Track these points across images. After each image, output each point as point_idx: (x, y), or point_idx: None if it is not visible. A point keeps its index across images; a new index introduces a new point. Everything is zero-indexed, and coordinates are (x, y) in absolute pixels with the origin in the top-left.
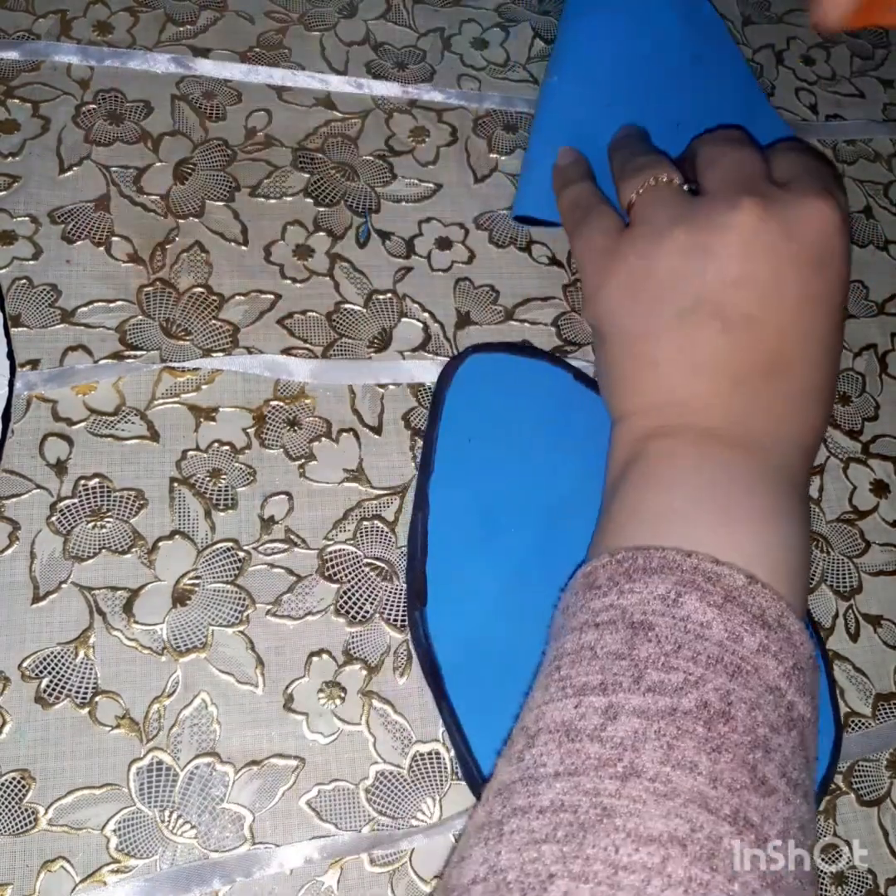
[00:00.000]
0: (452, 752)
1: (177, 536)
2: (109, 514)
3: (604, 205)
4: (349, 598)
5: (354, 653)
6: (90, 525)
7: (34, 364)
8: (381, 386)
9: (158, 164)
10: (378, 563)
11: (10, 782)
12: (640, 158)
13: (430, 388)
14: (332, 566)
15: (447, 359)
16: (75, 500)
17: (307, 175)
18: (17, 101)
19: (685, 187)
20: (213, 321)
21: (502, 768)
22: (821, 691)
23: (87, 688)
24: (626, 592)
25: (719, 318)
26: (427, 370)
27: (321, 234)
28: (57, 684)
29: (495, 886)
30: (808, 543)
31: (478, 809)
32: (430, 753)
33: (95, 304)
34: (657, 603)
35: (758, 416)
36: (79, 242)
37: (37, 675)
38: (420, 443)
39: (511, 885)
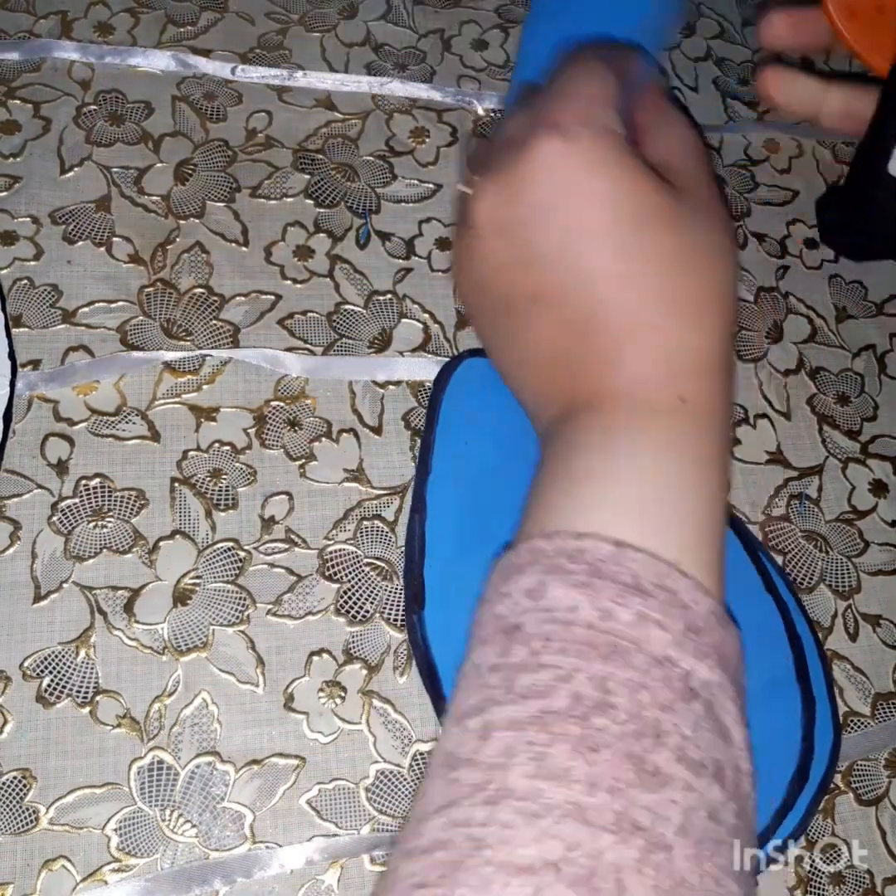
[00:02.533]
0: None
1: (177, 536)
2: (110, 514)
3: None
4: (349, 597)
5: (354, 652)
6: (91, 525)
7: (35, 364)
8: (381, 386)
9: (159, 164)
10: (378, 562)
11: (11, 782)
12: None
13: (429, 388)
14: (333, 566)
15: (447, 359)
16: (76, 500)
17: (307, 176)
18: (18, 101)
19: None
20: (214, 322)
21: (411, 809)
22: (819, 690)
23: (88, 687)
24: (501, 597)
25: (504, 306)
26: (424, 366)
27: (321, 235)
28: (58, 684)
29: None
30: (701, 476)
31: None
32: (430, 752)
33: (96, 305)
34: (525, 600)
35: (591, 371)
36: (80, 243)
37: (38, 674)
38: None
39: None
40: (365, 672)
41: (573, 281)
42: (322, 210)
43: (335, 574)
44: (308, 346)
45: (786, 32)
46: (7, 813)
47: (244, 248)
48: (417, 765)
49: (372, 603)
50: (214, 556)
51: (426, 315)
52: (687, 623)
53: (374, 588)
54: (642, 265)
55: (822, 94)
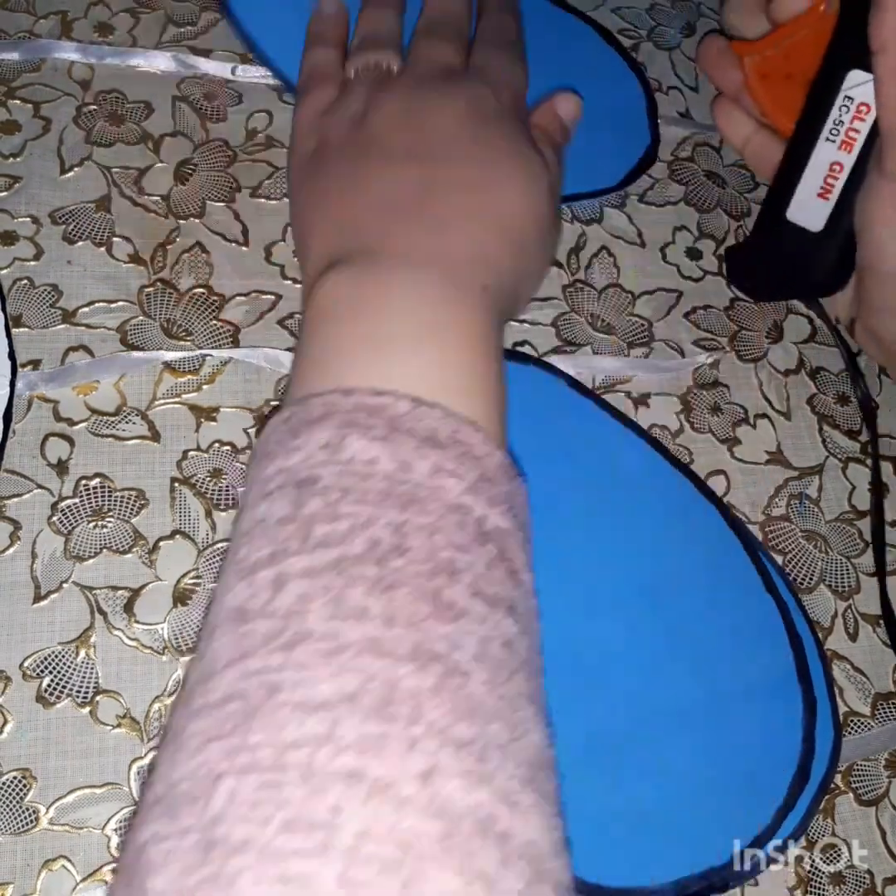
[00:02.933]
0: None
1: (177, 536)
2: (110, 514)
3: (325, 81)
4: None
5: None
6: (91, 525)
7: (35, 364)
8: None
9: (159, 164)
10: None
11: (11, 782)
12: (377, 32)
13: None
14: None
15: None
16: (76, 500)
17: None
18: (18, 101)
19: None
20: (214, 322)
21: (188, 673)
22: (819, 690)
23: (88, 687)
24: (291, 451)
25: (379, 156)
26: None
27: None
28: (58, 684)
29: (171, 802)
30: (489, 349)
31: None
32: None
33: (96, 305)
34: (321, 453)
35: (421, 233)
36: (80, 243)
37: (38, 674)
38: None
39: (181, 797)
40: None
41: (446, 151)
42: None
43: None
44: None
45: (707, 65)
46: (7, 813)
47: (244, 248)
48: None
49: None
50: (215, 557)
51: None
52: (480, 473)
53: None
54: (491, 153)
55: (751, 135)
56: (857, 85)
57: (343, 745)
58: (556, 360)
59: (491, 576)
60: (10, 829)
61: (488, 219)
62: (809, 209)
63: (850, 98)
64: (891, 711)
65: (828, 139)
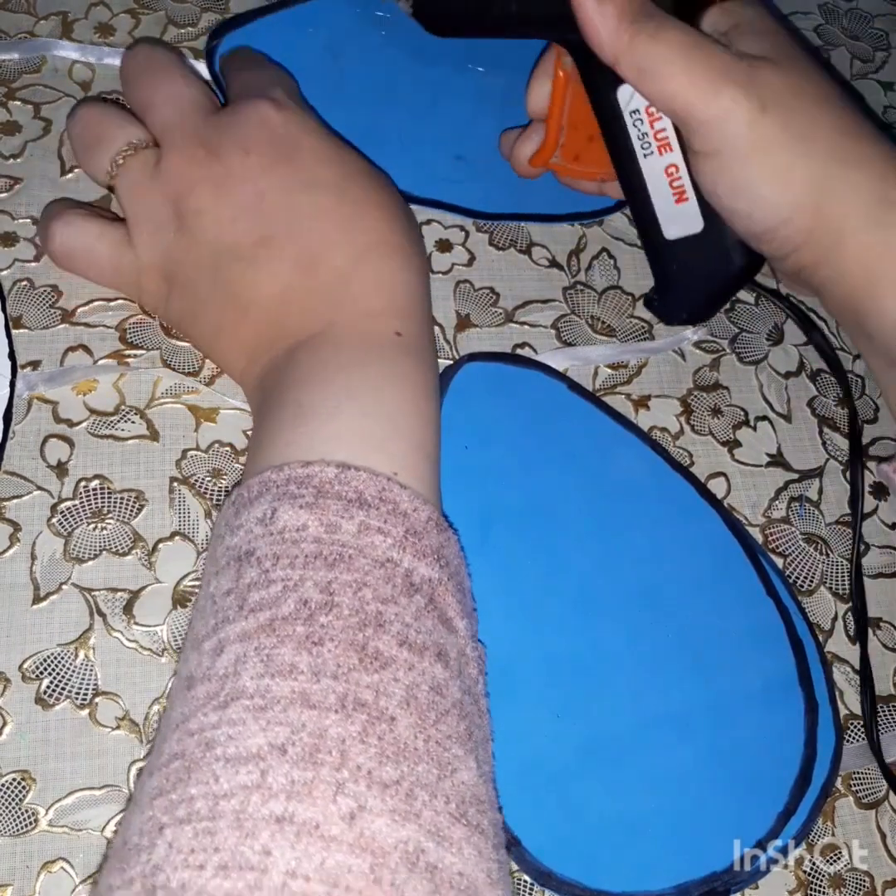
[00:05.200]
0: None
1: (177, 538)
2: (110, 515)
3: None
4: None
5: None
6: (91, 527)
7: (35, 365)
8: None
9: None
10: None
11: (11, 783)
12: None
13: None
14: None
15: (449, 361)
16: (76, 502)
17: None
18: (18, 102)
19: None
20: None
21: (154, 737)
22: (820, 693)
23: (87, 689)
24: (235, 530)
25: (228, 257)
26: None
27: None
28: (57, 685)
29: (123, 854)
30: (415, 401)
31: None
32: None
33: (95, 303)
34: (258, 527)
35: (319, 305)
36: None
37: (37, 676)
38: None
39: (131, 849)
40: None
41: (302, 223)
42: None
43: None
44: None
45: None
46: (6, 814)
47: None
48: None
49: None
50: None
51: None
52: (407, 528)
53: None
54: (358, 209)
55: (595, 190)
56: (631, 97)
57: (273, 791)
58: (547, 356)
59: (419, 625)
60: (9, 830)
61: (374, 256)
62: (681, 219)
63: (635, 111)
64: (891, 714)
65: (645, 155)
